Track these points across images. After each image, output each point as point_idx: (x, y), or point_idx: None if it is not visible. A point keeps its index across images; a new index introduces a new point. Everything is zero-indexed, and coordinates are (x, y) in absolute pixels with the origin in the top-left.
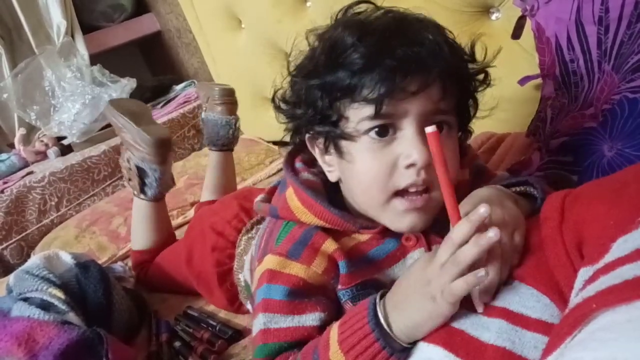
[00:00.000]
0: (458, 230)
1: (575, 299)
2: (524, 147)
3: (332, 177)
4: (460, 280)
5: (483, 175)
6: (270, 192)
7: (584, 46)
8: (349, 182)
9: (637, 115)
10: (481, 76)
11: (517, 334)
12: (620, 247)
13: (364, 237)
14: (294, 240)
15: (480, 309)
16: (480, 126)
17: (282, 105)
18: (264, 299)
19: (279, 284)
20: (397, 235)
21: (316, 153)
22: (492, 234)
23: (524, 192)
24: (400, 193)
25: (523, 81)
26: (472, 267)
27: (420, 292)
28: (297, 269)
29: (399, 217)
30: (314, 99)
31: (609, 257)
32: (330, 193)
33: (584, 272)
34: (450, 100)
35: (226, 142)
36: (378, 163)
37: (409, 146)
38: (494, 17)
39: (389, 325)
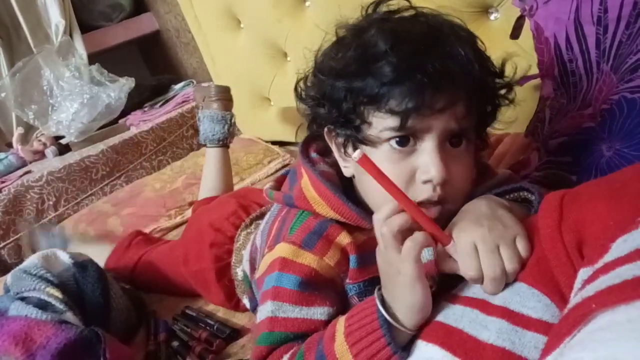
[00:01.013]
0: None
1: (574, 299)
2: (522, 147)
3: (347, 173)
4: (406, 241)
5: (486, 172)
6: (279, 181)
7: (582, 46)
8: (365, 184)
9: (635, 115)
10: (504, 91)
11: (518, 334)
12: (620, 247)
13: None
14: (308, 230)
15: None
16: None
17: (306, 98)
18: (275, 287)
19: (291, 273)
20: None
21: (333, 147)
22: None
23: (519, 198)
24: None
25: (522, 81)
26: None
27: (390, 275)
28: (310, 259)
29: None
30: (339, 100)
31: (608, 257)
32: (345, 186)
33: (584, 273)
34: (475, 117)
35: (222, 138)
36: (396, 171)
37: (427, 162)
38: (492, 17)
39: (396, 318)
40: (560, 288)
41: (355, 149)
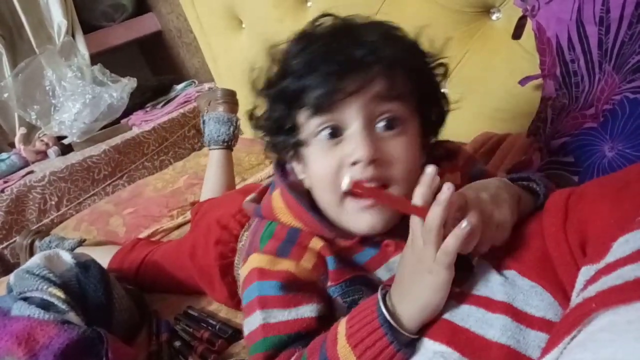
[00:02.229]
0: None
1: (576, 299)
2: (524, 148)
3: (306, 184)
4: (448, 238)
5: (453, 157)
6: (261, 193)
7: (584, 46)
8: (311, 186)
9: (637, 115)
10: (441, 69)
11: (522, 333)
12: (622, 247)
13: (345, 243)
14: (280, 239)
15: (475, 262)
16: (481, 126)
17: (254, 123)
18: (259, 297)
19: (271, 279)
20: (376, 243)
21: (292, 162)
22: (446, 189)
23: (526, 187)
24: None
25: (523, 81)
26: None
27: (417, 272)
28: (287, 265)
29: (356, 217)
30: (273, 108)
31: (610, 257)
32: (315, 202)
33: (585, 271)
34: (398, 94)
35: (227, 139)
36: (327, 162)
37: (353, 143)
38: (494, 17)
39: (397, 318)
40: (563, 286)
41: (298, 155)
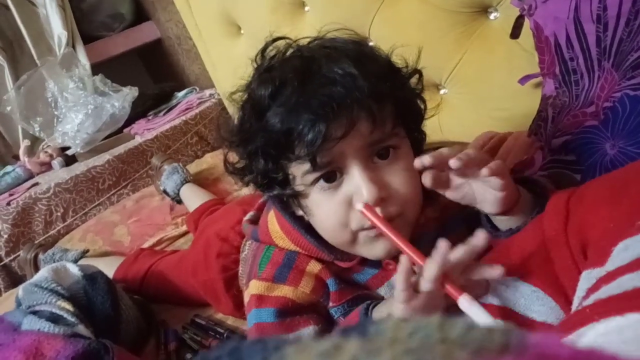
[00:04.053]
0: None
1: (577, 306)
2: (526, 147)
3: (306, 219)
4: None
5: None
6: (260, 208)
7: (583, 44)
8: (316, 227)
9: (638, 112)
10: (415, 78)
11: None
12: (621, 253)
13: (344, 265)
14: (277, 264)
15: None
16: (481, 126)
17: (233, 171)
18: (257, 324)
19: (267, 306)
20: (376, 262)
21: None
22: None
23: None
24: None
25: (523, 80)
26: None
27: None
28: (285, 291)
29: (371, 245)
30: (255, 162)
31: (609, 265)
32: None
33: (586, 275)
34: (385, 125)
35: (183, 179)
36: (334, 208)
37: (357, 185)
38: (492, 17)
39: None
40: (565, 290)
41: (295, 202)
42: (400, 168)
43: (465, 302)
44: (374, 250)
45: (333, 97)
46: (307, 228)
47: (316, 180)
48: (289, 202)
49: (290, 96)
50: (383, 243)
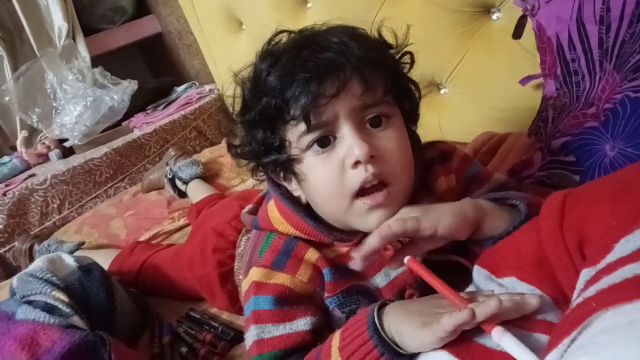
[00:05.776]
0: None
1: (576, 299)
2: (525, 147)
3: (302, 199)
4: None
5: (476, 181)
6: (259, 202)
7: (585, 45)
8: (312, 199)
9: (639, 114)
10: (407, 58)
11: (524, 338)
12: (623, 247)
13: (343, 249)
14: (276, 251)
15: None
16: (481, 126)
17: (234, 151)
18: (254, 311)
19: (265, 294)
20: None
21: (283, 182)
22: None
23: (505, 203)
24: (360, 193)
25: (524, 81)
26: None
27: (419, 320)
28: (282, 279)
29: (365, 217)
30: (254, 132)
31: (610, 258)
32: (310, 208)
33: (586, 273)
34: (377, 91)
35: (200, 174)
36: (327, 171)
37: (349, 146)
38: (494, 17)
39: (386, 332)
40: (562, 288)
41: (290, 171)
42: (392, 136)
43: (498, 334)
44: (368, 222)
45: (326, 59)
46: (307, 212)
47: (311, 144)
48: (286, 177)
49: (286, 62)
50: (377, 215)
